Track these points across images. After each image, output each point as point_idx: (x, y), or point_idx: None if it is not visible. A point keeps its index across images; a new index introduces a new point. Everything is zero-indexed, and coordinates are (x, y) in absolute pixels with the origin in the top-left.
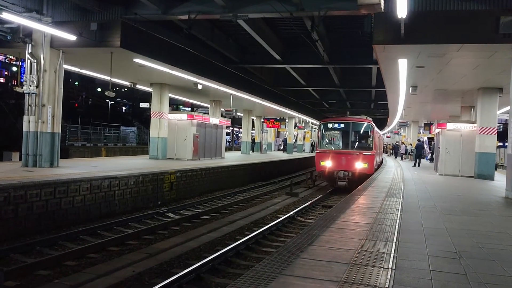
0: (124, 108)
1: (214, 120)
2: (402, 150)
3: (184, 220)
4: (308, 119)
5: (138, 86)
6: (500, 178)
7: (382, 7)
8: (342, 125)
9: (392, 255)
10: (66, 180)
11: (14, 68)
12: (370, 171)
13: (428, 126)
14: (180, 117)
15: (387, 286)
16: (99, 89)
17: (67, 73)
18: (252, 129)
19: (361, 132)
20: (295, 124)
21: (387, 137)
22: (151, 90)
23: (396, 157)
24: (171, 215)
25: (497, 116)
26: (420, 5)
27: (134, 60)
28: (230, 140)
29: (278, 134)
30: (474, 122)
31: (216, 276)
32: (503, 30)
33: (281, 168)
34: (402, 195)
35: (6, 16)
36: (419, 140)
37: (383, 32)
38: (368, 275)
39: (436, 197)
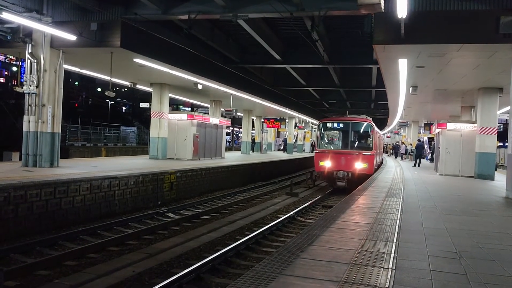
0: (124, 108)
1: (214, 120)
2: (402, 150)
3: (184, 220)
4: (308, 119)
5: (138, 86)
6: (500, 178)
7: (382, 7)
8: (341, 125)
9: (392, 255)
10: (66, 180)
11: (14, 68)
12: (370, 171)
13: (428, 126)
14: (180, 117)
15: (387, 286)
16: (99, 89)
17: (67, 73)
18: (252, 129)
19: (361, 132)
20: (295, 124)
21: (387, 137)
22: (151, 90)
23: (396, 157)
24: (171, 215)
25: (497, 116)
26: (420, 5)
27: (134, 60)
28: (230, 140)
29: (278, 134)
30: (474, 122)
31: (216, 276)
32: (503, 30)
33: (281, 168)
34: (402, 195)
35: (6, 16)
36: (419, 140)
37: (383, 32)
38: (368, 275)
39: (436, 197)
